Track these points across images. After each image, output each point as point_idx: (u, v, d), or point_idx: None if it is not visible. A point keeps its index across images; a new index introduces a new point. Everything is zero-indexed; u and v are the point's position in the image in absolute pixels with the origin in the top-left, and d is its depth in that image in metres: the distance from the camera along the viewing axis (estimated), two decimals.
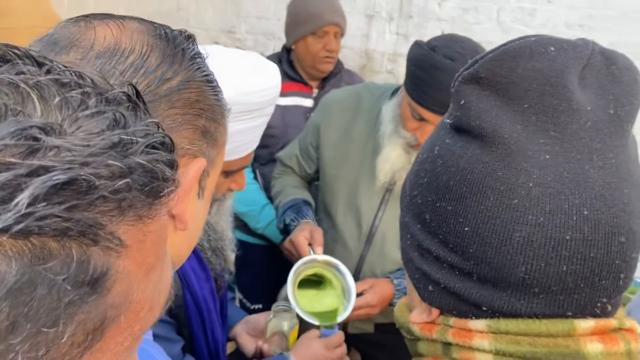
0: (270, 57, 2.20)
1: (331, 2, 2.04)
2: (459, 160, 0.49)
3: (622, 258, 0.46)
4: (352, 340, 1.65)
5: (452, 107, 0.51)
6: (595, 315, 0.47)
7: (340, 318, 1.34)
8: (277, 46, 3.31)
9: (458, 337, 0.48)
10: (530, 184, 0.45)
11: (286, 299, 1.33)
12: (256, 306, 2.21)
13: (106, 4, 4.08)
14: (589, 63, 0.48)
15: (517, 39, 0.48)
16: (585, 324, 0.46)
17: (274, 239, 2.02)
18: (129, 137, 0.28)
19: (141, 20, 0.50)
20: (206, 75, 0.53)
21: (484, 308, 0.47)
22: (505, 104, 0.47)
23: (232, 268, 2.49)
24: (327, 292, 1.42)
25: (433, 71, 1.28)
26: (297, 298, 1.33)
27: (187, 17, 3.67)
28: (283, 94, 2.03)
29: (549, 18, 2.46)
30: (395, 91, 1.54)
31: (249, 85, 0.90)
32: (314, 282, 1.45)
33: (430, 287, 0.51)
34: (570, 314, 0.46)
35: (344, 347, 1.27)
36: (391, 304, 1.49)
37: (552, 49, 0.47)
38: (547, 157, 0.45)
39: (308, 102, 2.03)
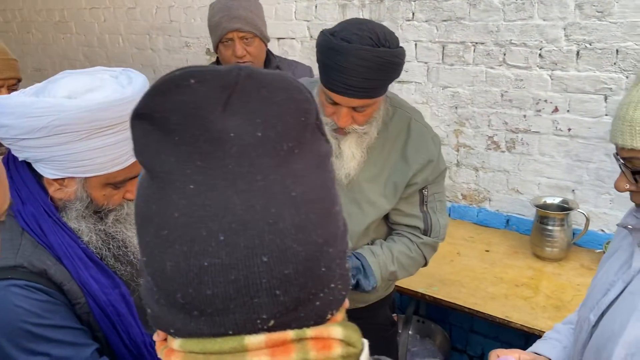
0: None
1: (229, 9, 2.03)
2: (138, 192, 0.52)
3: (271, 276, 0.46)
4: None
5: None
6: (263, 331, 0.48)
7: None
8: None
9: (166, 356, 0.51)
10: (177, 215, 0.46)
11: None
12: None
13: (109, 25, 4.26)
14: (238, 89, 0.48)
15: (167, 74, 0.49)
16: (256, 339, 0.47)
17: None
18: None
19: None
20: None
21: (172, 331, 0.50)
22: (163, 138, 0.48)
23: None
24: None
25: (333, 55, 1.32)
26: None
27: (179, 28, 3.79)
28: None
29: None
30: None
31: (103, 101, 0.96)
32: None
33: (148, 309, 0.54)
34: (231, 332, 0.47)
35: None
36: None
37: (193, 81, 0.48)
38: (192, 186, 0.46)
39: None
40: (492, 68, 2.58)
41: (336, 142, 1.47)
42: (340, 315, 0.54)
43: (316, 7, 3.08)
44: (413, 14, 2.74)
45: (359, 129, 1.44)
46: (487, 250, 2.56)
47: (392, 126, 1.54)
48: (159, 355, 0.53)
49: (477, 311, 2.08)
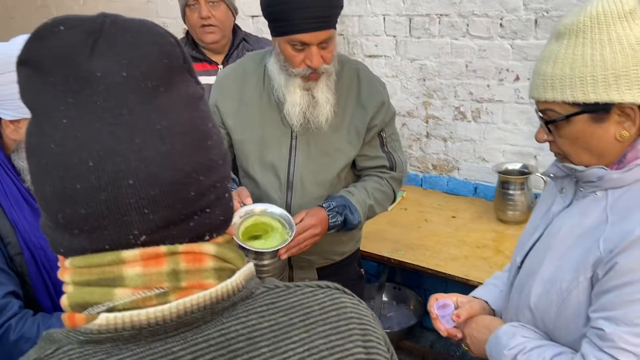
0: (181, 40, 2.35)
1: None
2: (26, 131, 0.58)
3: (139, 196, 0.53)
4: None
5: None
6: (137, 246, 0.54)
7: (290, 238, 1.51)
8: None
9: (61, 275, 0.58)
10: (53, 146, 0.53)
11: None
12: None
13: (88, 8, 4.30)
14: (104, 34, 0.55)
15: (42, 24, 0.56)
16: (131, 253, 0.54)
17: None
18: None
19: None
20: None
21: (61, 250, 0.57)
22: (41, 80, 0.55)
23: None
24: (272, 235, 1.57)
25: None
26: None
27: (157, 9, 3.83)
28: None
29: None
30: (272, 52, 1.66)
31: None
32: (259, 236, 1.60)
33: (47, 237, 0.60)
34: (108, 247, 0.54)
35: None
36: (330, 227, 1.64)
37: (62, 27, 0.54)
38: (65, 121, 0.53)
39: (214, 80, 2.13)
40: (456, 39, 2.65)
41: (309, 93, 1.58)
42: (222, 238, 0.61)
43: None
44: None
45: (329, 68, 1.56)
46: (454, 217, 2.65)
47: (343, 78, 1.68)
48: (59, 277, 0.60)
49: (438, 271, 2.18)
